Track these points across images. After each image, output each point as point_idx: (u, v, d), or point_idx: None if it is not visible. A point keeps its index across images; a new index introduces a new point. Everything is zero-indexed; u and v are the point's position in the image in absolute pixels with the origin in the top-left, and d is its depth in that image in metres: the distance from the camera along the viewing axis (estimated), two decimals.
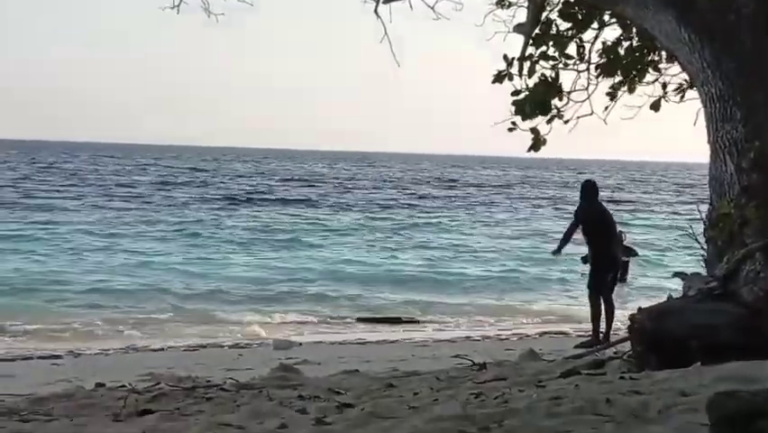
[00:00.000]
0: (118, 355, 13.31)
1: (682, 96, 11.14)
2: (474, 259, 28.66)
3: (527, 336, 16.01)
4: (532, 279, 24.70)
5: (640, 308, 5.74)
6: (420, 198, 58.43)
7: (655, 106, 11.14)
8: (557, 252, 13.66)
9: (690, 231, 9.42)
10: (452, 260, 28.31)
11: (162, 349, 13.99)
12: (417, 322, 18.23)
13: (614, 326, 13.29)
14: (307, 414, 5.25)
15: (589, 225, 13.38)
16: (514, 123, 10.31)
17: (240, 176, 79.23)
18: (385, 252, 29.66)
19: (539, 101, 10.50)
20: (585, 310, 18.21)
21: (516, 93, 10.18)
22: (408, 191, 65.00)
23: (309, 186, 67.00)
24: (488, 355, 11.19)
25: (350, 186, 69.77)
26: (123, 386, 7.37)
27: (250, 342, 14.68)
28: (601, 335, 13.25)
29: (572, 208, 13.58)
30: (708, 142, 9.04)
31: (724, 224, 8.68)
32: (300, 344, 13.92)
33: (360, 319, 17.96)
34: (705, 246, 9.18)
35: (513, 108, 10.53)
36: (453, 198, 58.71)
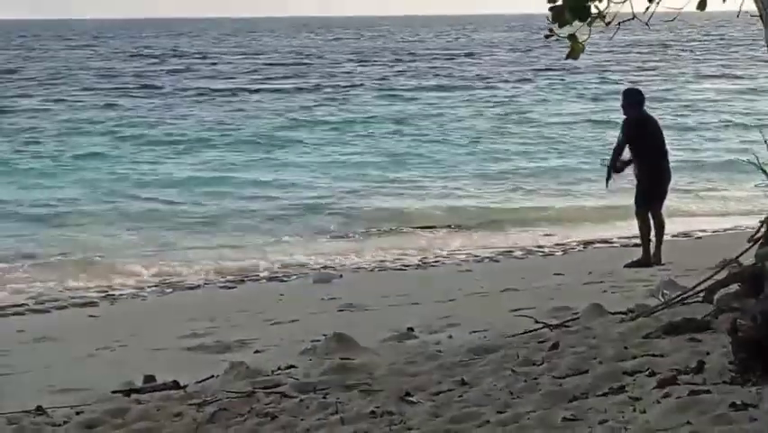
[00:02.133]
0: (154, 298, 12.96)
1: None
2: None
3: (572, 248, 15.58)
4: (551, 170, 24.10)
5: (742, 310, 5.22)
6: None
7: (702, 5, 10.47)
8: (613, 167, 12.94)
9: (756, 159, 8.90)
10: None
11: (199, 287, 13.61)
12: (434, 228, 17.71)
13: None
14: None
15: (638, 139, 12.75)
16: (551, 29, 9.62)
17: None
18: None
19: (578, 6, 9.79)
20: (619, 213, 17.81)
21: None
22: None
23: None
24: (538, 291, 10.91)
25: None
26: (176, 383, 6.96)
27: (287, 274, 14.27)
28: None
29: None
30: None
31: None
32: (341, 275, 13.53)
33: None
34: None
35: (550, 15, 9.85)
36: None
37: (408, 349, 7.77)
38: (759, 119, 31.77)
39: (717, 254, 12.58)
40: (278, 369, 7.31)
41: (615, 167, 12.86)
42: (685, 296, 8.16)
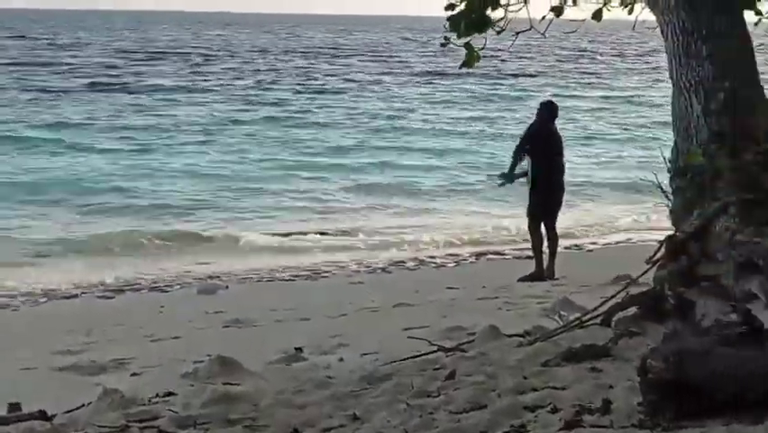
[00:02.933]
0: (27, 309, 12.26)
1: (630, 11, 10.26)
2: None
3: (464, 259, 15.32)
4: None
5: (652, 349, 4.92)
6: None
7: (597, 16, 10.26)
8: (507, 179, 12.76)
9: (655, 180, 8.69)
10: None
11: (76, 296, 12.94)
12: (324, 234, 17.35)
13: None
14: None
15: (538, 145, 12.54)
16: (446, 38, 9.27)
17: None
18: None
19: (475, 17, 9.47)
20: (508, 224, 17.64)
21: (450, 7, 9.15)
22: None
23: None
24: (431, 307, 10.56)
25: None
26: (43, 414, 6.40)
27: (169, 283, 13.68)
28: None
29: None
30: (671, 77, 8.29)
31: (693, 174, 8.01)
32: (227, 286, 13.01)
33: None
34: (669, 195, 8.52)
35: (447, 24, 9.51)
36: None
37: (297, 374, 7.33)
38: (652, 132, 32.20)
39: (609, 269, 12.48)
40: (156, 396, 6.80)
41: (513, 168, 12.67)
42: (583, 320, 7.89)
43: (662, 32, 8.28)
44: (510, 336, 7.97)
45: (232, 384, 7.14)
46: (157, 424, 5.86)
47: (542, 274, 12.50)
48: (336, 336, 9.03)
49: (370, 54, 78.11)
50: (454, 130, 33.31)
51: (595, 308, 8.07)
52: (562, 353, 6.92)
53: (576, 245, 15.63)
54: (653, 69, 63.06)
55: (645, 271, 8.38)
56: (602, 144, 31.37)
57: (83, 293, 13.09)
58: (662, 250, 8.36)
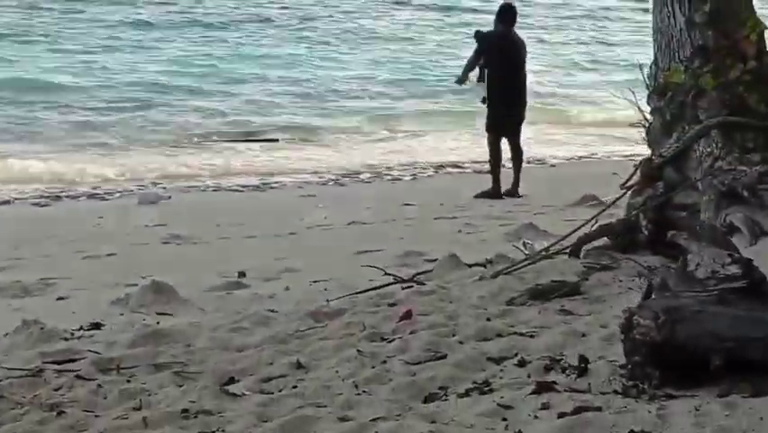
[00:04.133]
0: None
1: None
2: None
3: (421, 172, 14.63)
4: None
5: (640, 305, 4.31)
6: None
7: None
8: (462, 80, 12.08)
9: (633, 96, 8.04)
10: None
11: (8, 202, 12.14)
12: (276, 141, 16.61)
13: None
14: None
15: (494, 54, 11.81)
16: None
17: None
18: None
19: None
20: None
21: None
22: None
23: None
24: (387, 227, 9.93)
25: None
26: None
27: (109, 190, 12.91)
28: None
29: None
30: None
31: (674, 93, 7.39)
32: (170, 196, 12.24)
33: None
34: (648, 117, 7.91)
35: None
36: None
37: (237, 305, 6.68)
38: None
39: (574, 187, 11.90)
40: (80, 329, 6.13)
41: (471, 68, 11.97)
42: (549, 251, 7.28)
43: None
44: (471, 265, 7.37)
45: (164, 315, 6.52)
46: (76, 368, 5.19)
47: (498, 192, 11.87)
48: (283, 259, 8.38)
49: None
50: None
51: (562, 238, 7.49)
52: (529, 290, 6.33)
53: (537, 159, 14.95)
54: None
55: (619, 197, 7.80)
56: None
57: (16, 199, 12.30)
58: (637, 174, 7.81)
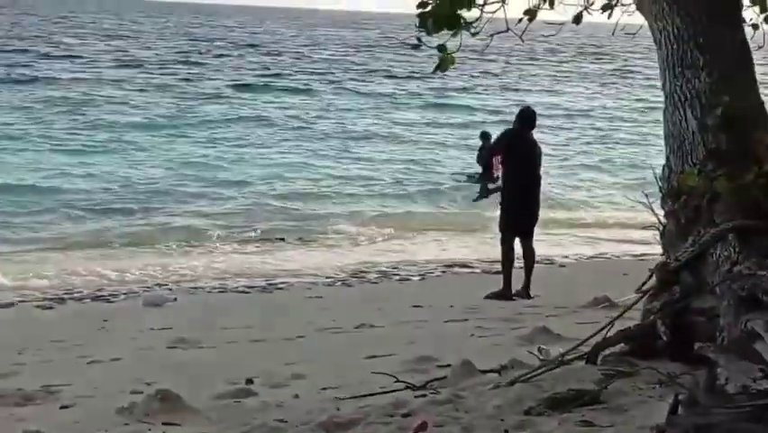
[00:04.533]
0: None
1: (610, 15, 9.55)
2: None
3: (430, 272, 14.48)
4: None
5: (669, 421, 4.14)
6: None
7: (577, 19, 9.56)
8: (481, 194, 12.03)
9: (646, 199, 7.94)
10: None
11: (12, 305, 12.00)
12: (282, 240, 16.55)
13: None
14: None
15: (512, 154, 11.75)
16: (419, 39, 8.48)
17: None
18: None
19: (445, 14, 8.66)
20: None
21: (422, 4, 8.39)
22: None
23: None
24: (397, 330, 9.76)
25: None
26: None
27: (115, 292, 12.78)
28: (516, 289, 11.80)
29: None
30: (664, 89, 7.59)
31: (688, 196, 7.28)
32: (175, 298, 12.10)
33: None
34: (661, 219, 7.81)
35: (417, 21, 8.72)
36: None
37: (245, 415, 6.49)
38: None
39: (585, 288, 11.76)
40: None
41: (485, 175, 11.92)
42: (566, 358, 7.10)
43: (654, 39, 7.59)
44: (486, 371, 7.20)
45: (171, 424, 6.33)
46: None
47: (509, 293, 11.73)
48: (292, 364, 8.19)
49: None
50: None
51: (579, 344, 7.32)
52: (547, 399, 6.13)
53: (546, 259, 14.80)
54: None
55: (635, 301, 7.66)
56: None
57: (20, 301, 12.16)
58: (653, 278, 7.68)
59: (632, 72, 62.88)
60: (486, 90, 47.88)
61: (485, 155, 12.02)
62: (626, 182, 23.93)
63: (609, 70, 65.52)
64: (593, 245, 17.04)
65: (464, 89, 46.96)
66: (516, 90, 48.46)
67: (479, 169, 23.33)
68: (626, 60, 74.95)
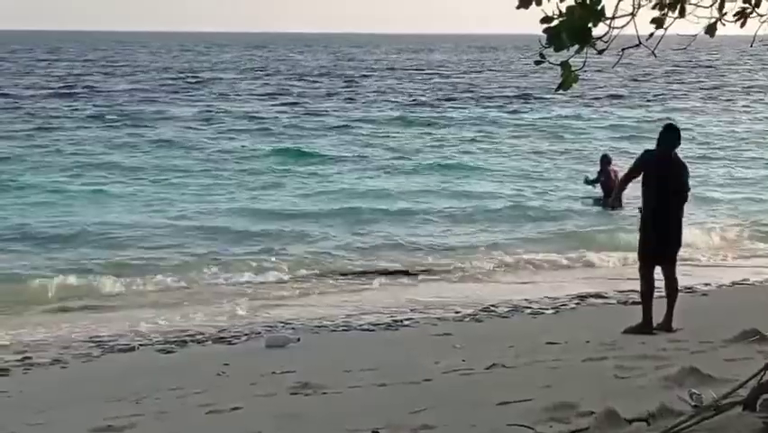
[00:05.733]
0: (78, 365, 11.08)
1: (743, 23, 8.79)
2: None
3: (563, 304, 13.78)
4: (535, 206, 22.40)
5: None
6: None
7: (711, 30, 8.83)
8: (615, 203, 11.27)
9: None
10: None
11: (133, 349, 11.74)
12: (407, 273, 16.07)
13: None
14: None
15: (652, 175, 10.99)
16: (542, 55, 7.87)
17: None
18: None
19: (577, 27, 8.05)
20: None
21: (546, 20, 7.82)
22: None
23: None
24: (531, 371, 9.15)
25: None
26: None
27: (237, 334, 12.44)
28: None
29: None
30: None
31: None
32: (299, 339, 11.68)
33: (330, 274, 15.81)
34: None
35: (544, 38, 8.11)
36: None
37: None
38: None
39: (731, 319, 10.94)
40: None
41: (617, 196, 11.19)
42: (720, 405, 6.41)
43: None
44: (631, 421, 6.55)
45: None
46: None
47: (650, 326, 10.97)
48: (419, 412, 7.63)
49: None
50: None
51: (737, 387, 6.63)
52: None
53: (687, 287, 13.93)
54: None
55: None
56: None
57: (140, 345, 11.92)
58: None
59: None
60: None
61: (623, 180, 11.28)
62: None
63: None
64: (734, 270, 16.11)
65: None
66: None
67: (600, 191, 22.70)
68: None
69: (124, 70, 78.52)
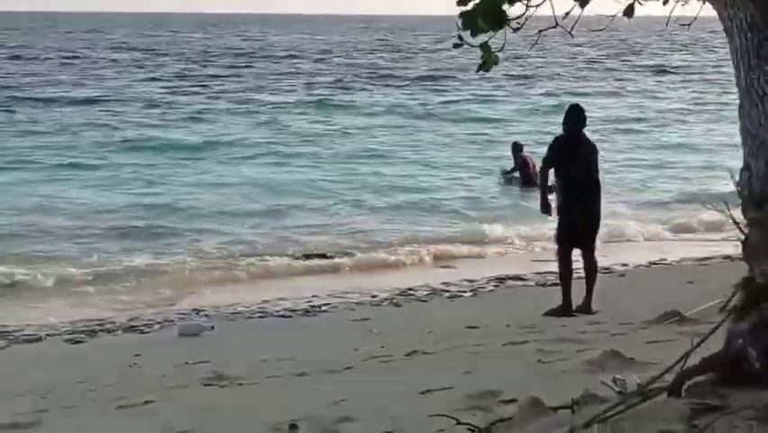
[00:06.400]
0: None
1: (665, 3, 8.71)
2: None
3: (481, 287, 13.66)
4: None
5: None
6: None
7: (629, 12, 8.76)
8: (546, 210, 11.17)
9: (724, 206, 7.13)
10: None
11: (40, 339, 11.34)
12: (324, 257, 15.82)
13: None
14: None
15: (565, 159, 10.91)
16: (460, 37, 7.71)
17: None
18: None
19: (490, 11, 7.89)
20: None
21: (462, 2, 7.65)
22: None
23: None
24: (452, 356, 8.99)
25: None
26: None
27: (149, 322, 12.09)
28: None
29: None
30: (738, 85, 6.75)
31: None
32: (212, 327, 11.38)
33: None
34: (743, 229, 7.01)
35: (459, 21, 7.96)
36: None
37: None
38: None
39: (651, 299, 10.92)
40: None
41: (543, 194, 11.08)
42: (646, 391, 6.30)
43: (725, 29, 6.76)
44: (556, 408, 6.40)
45: None
46: None
47: (569, 308, 10.92)
48: (340, 402, 7.41)
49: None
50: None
51: (662, 374, 6.52)
52: None
53: (605, 268, 13.90)
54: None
55: (718, 326, 6.86)
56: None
57: (47, 336, 11.49)
58: (738, 295, 6.88)
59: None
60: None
61: (542, 169, 11.15)
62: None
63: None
64: (651, 250, 16.17)
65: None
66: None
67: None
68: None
69: None
